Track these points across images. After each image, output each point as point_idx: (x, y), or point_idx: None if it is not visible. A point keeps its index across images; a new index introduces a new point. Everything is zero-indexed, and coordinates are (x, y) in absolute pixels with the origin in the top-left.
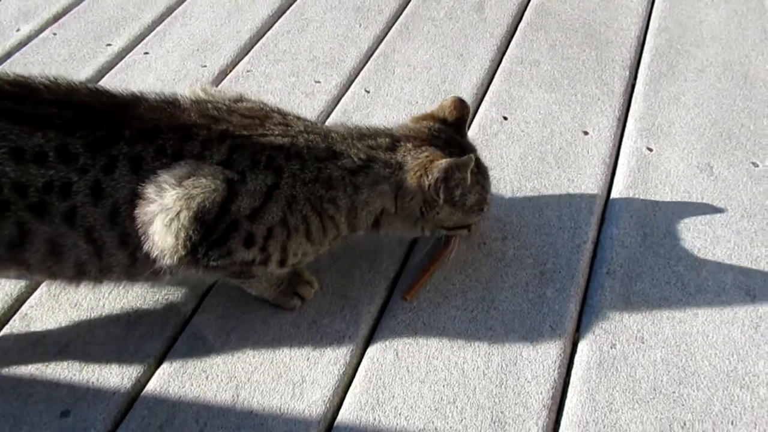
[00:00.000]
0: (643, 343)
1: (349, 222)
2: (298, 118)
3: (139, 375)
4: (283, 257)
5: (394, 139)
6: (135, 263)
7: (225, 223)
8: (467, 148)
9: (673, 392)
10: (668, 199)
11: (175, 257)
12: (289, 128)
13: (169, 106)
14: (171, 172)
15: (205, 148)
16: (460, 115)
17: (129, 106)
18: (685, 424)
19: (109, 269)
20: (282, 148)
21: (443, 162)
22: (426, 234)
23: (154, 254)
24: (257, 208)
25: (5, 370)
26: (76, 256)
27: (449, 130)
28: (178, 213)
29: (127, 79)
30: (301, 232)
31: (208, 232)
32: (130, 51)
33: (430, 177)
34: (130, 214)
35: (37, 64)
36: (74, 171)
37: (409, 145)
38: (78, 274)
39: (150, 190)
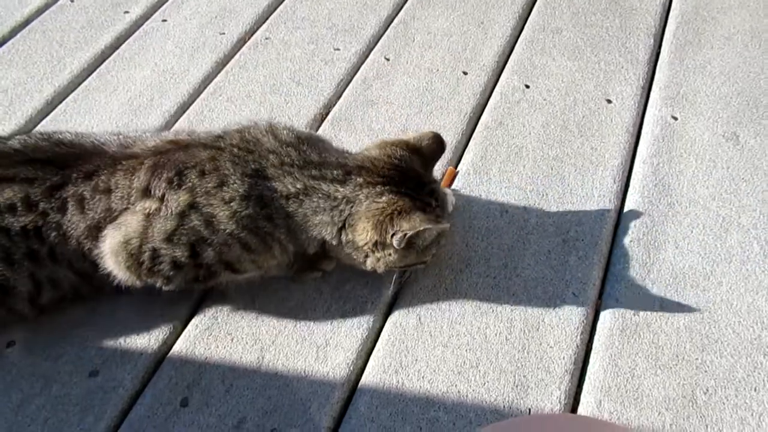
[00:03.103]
0: (666, 310)
1: (294, 242)
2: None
3: (166, 337)
4: (233, 267)
5: (345, 171)
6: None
7: (148, 252)
8: (425, 185)
9: (696, 359)
10: (693, 168)
11: (129, 282)
12: (220, 140)
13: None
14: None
15: (126, 178)
16: (436, 150)
17: (83, 153)
18: (707, 390)
19: (104, 286)
20: (197, 165)
21: (417, 228)
22: (378, 270)
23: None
24: (171, 231)
25: (35, 332)
26: (70, 284)
27: (415, 161)
28: (109, 243)
29: (145, 47)
30: (236, 247)
31: (139, 263)
32: (148, 18)
33: (393, 232)
34: (91, 249)
35: (55, 32)
36: (39, 215)
37: (360, 180)
38: (76, 296)
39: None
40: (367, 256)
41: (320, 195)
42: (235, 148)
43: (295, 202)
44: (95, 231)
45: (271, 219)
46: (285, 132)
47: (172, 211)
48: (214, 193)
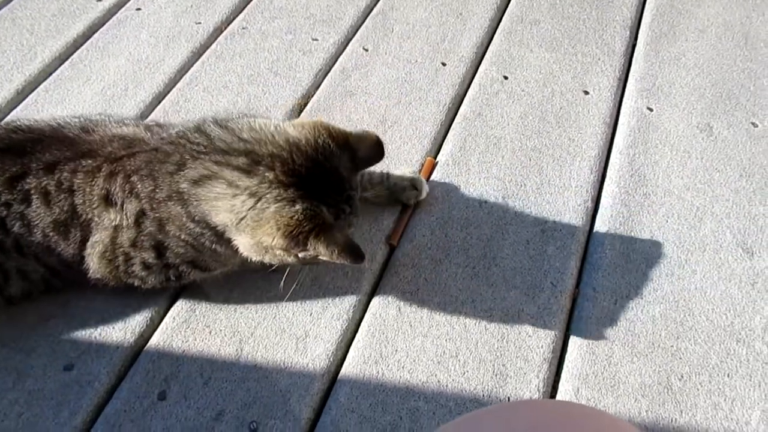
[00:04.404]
0: (641, 299)
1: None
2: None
3: (142, 330)
4: (199, 267)
5: (253, 160)
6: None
7: (121, 256)
8: (344, 191)
9: (671, 346)
10: (668, 159)
11: (111, 283)
12: (161, 141)
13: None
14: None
15: (86, 183)
16: (371, 159)
17: (42, 137)
18: (682, 376)
19: (75, 280)
20: (138, 169)
21: (333, 260)
22: (264, 262)
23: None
24: (134, 237)
25: (8, 325)
26: (42, 277)
27: (344, 161)
28: (91, 256)
29: (119, 36)
30: (189, 249)
31: (116, 266)
32: (122, 7)
33: (305, 249)
34: (58, 241)
35: (25, 20)
36: (2, 206)
37: (271, 176)
38: (49, 288)
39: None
40: (264, 251)
41: (223, 181)
42: (166, 145)
43: (200, 187)
44: (62, 227)
45: (193, 218)
46: (208, 122)
47: (130, 221)
48: (152, 195)
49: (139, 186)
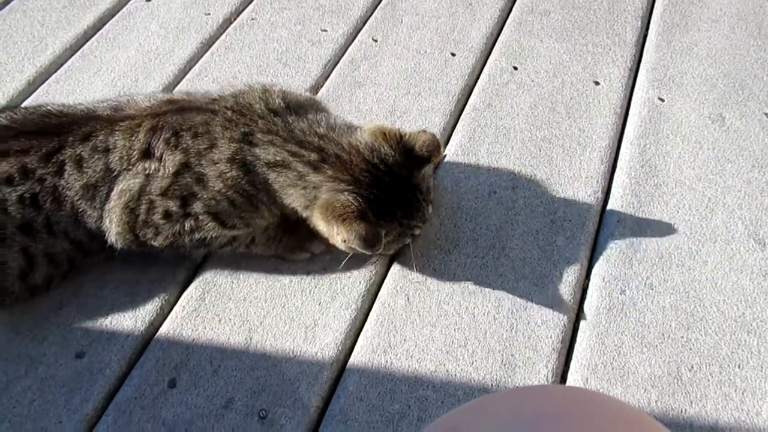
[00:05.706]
0: (652, 289)
1: (275, 205)
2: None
3: (153, 318)
4: (221, 220)
5: (321, 157)
6: (109, 247)
7: (145, 204)
8: (400, 190)
9: (682, 337)
10: (679, 149)
11: (123, 241)
12: (214, 103)
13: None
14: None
15: (125, 138)
16: (427, 156)
17: (76, 120)
18: (692, 367)
19: (93, 254)
20: (191, 127)
21: (351, 242)
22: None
23: (112, 241)
24: (166, 186)
25: (20, 313)
26: (68, 256)
27: (400, 162)
28: (114, 207)
29: (129, 27)
30: (224, 203)
31: (135, 215)
32: None
33: (338, 233)
34: (85, 208)
35: (36, 11)
36: (36, 182)
37: (330, 172)
38: (71, 268)
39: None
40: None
41: (296, 173)
42: (228, 111)
43: (274, 172)
44: (92, 190)
45: (253, 184)
46: (277, 100)
47: (168, 171)
48: (205, 154)
49: (189, 142)
